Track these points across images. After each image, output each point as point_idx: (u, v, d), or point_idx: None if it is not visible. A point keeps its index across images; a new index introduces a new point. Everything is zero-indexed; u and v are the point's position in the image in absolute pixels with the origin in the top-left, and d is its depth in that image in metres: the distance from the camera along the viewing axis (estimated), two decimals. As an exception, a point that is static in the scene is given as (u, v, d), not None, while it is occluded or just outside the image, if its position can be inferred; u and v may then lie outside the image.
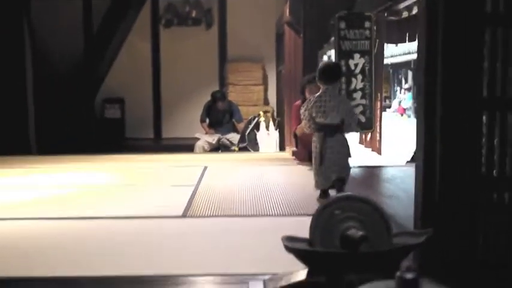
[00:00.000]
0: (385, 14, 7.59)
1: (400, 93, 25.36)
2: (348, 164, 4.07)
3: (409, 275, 1.42)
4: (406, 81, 26.84)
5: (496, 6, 2.31)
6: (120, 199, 4.30)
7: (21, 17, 8.22)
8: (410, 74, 25.41)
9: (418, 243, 2.02)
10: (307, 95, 5.61)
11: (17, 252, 2.88)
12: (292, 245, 2.01)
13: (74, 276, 2.51)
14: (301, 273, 2.02)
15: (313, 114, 4.02)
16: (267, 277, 2.22)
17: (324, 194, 4.06)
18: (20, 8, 8.23)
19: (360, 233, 1.89)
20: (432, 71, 2.30)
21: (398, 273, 1.42)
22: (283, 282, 2.04)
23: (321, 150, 3.98)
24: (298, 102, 5.50)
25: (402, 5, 7.53)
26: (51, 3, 9.18)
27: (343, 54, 6.48)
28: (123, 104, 9.88)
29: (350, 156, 4.11)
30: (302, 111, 4.20)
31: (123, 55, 9.99)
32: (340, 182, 3.96)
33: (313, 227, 2.04)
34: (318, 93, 4.07)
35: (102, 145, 8.37)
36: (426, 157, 2.37)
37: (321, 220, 2.03)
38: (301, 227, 2.76)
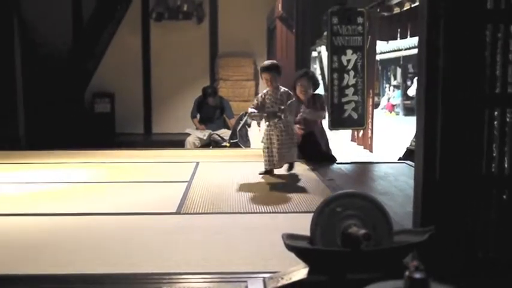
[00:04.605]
0: (378, 10, 7.58)
1: (389, 90, 25.36)
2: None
3: (418, 275, 1.39)
4: (395, 78, 26.86)
5: (497, 3, 2.29)
6: (113, 195, 4.23)
7: (10, 10, 8.11)
8: (399, 71, 25.42)
9: (421, 241, 1.99)
10: (297, 89, 5.60)
11: (5, 250, 2.83)
12: (293, 243, 1.98)
13: (65, 273, 2.45)
14: (302, 272, 1.99)
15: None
16: (266, 276, 2.18)
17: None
18: (9, 2, 8.12)
19: (363, 231, 1.86)
20: (433, 67, 2.28)
21: (407, 273, 1.39)
22: (284, 281, 2.01)
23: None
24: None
25: (394, 1, 7.52)
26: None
27: (336, 50, 6.45)
28: (113, 98, 9.79)
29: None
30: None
31: (113, 49, 9.89)
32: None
33: (314, 225, 2.01)
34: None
35: (91, 140, 8.29)
36: (426, 154, 2.35)
37: (322, 218, 2.00)
38: (298, 224, 2.73)
